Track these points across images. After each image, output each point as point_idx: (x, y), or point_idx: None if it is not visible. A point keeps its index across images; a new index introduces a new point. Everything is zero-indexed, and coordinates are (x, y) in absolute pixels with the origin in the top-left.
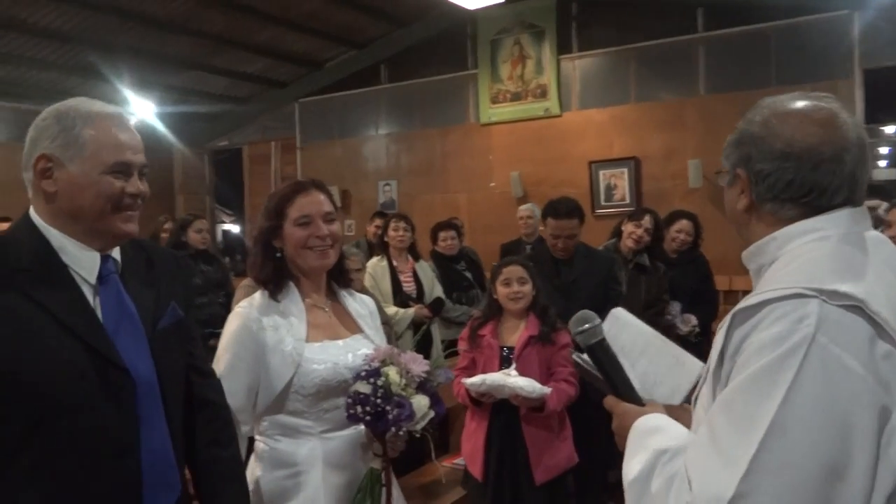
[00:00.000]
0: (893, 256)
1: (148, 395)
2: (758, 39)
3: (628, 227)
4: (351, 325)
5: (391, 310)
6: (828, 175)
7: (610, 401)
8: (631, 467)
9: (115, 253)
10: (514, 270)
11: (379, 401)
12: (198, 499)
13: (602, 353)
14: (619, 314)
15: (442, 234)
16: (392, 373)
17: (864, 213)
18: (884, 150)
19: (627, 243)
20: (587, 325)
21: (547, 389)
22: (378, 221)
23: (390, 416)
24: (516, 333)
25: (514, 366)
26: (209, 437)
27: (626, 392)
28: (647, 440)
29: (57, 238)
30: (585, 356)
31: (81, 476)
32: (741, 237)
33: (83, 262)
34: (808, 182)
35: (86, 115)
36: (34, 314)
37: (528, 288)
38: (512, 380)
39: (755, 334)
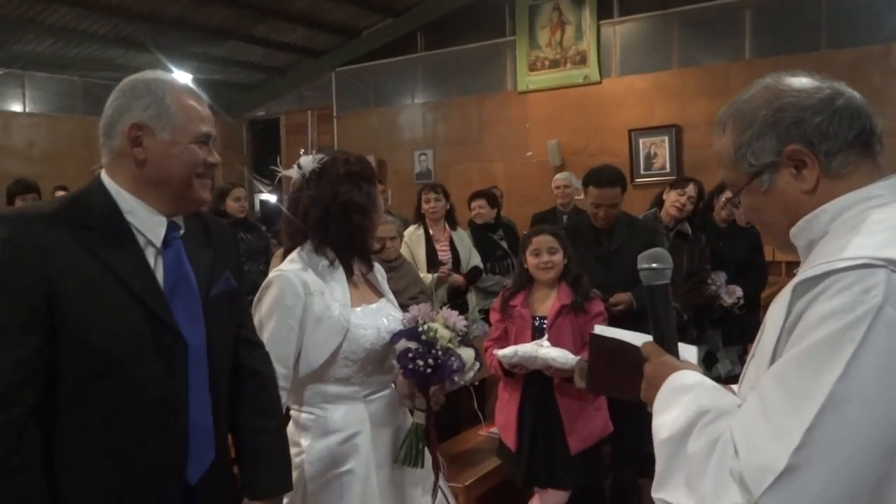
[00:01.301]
0: None
1: (196, 359)
2: (808, 0)
3: (672, 196)
4: (375, 290)
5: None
6: (864, 104)
7: (650, 346)
8: (663, 422)
9: (179, 219)
10: (544, 240)
11: (440, 353)
12: (239, 469)
13: (661, 297)
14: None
15: (473, 203)
16: (441, 328)
17: None
18: None
19: (670, 211)
20: (656, 265)
21: (578, 359)
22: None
23: (454, 367)
24: (548, 303)
25: (546, 336)
26: (255, 408)
27: (669, 345)
28: (683, 396)
29: (127, 201)
30: (607, 330)
31: (132, 433)
32: (795, 235)
33: (151, 225)
34: (856, 112)
35: (173, 89)
36: (98, 271)
37: (558, 257)
38: (544, 351)
39: (815, 305)
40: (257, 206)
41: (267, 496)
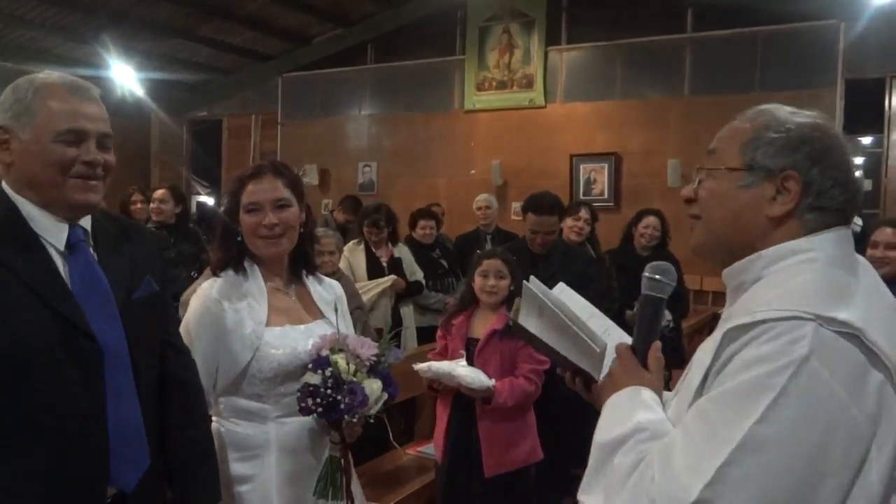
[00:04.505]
0: (879, 283)
1: (116, 364)
2: (745, 43)
3: (568, 222)
4: (314, 311)
5: (362, 284)
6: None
7: (623, 349)
8: (604, 425)
9: (86, 223)
10: (494, 264)
11: (329, 391)
12: (169, 478)
13: (653, 309)
14: (566, 287)
15: (421, 223)
16: (340, 360)
17: (849, 236)
18: (859, 161)
19: (571, 237)
20: (661, 278)
21: (491, 382)
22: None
23: (342, 405)
24: (485, 325)
25: (464, 356)
26: (183, 418)
27: (642, 357)
28: (631, 408)
29: (25, 207)
30: (525, 324)
31: (48, 440)
32: (735, 248)
33: (51, 229)
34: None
35: (40, 86)
36: (2, 279)
37: (504, 283)
38: (458, 369)
39: (744, 351)
40: (194, 209)
41: None
